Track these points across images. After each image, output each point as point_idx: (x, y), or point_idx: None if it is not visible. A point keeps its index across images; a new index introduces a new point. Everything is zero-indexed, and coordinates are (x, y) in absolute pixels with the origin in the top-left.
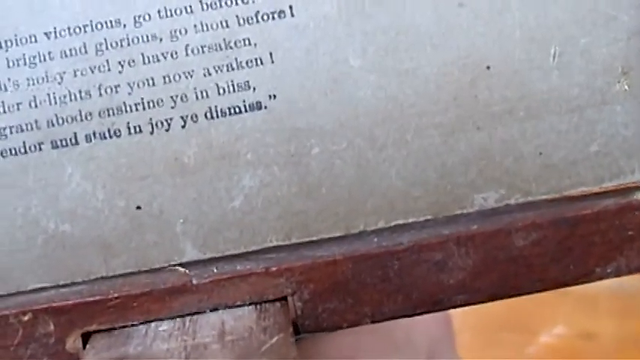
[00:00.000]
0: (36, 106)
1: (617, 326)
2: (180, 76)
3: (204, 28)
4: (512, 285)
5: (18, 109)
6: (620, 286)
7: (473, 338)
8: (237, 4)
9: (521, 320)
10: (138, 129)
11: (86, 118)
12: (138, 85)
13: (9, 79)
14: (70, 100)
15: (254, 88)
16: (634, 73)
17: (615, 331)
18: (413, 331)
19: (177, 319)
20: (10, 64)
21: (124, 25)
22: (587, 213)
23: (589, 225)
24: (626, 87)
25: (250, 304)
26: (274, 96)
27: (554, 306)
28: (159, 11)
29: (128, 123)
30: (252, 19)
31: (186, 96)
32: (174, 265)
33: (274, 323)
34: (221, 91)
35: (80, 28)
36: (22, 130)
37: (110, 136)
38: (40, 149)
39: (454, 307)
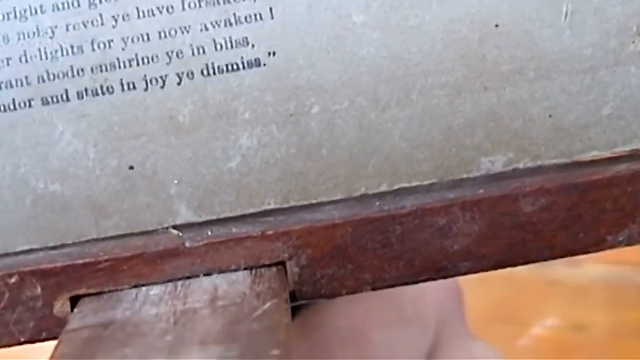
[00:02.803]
0: (26, 61)
1: (608, 317)
2: (175, 32)
3: None
4: (519, 252)
5: (7, 64)
6: (611, 277)
7: None
8: None
9: (512, 312)
10: (131, 86)
11: (78, 73)
12: (132, 41)
13: None
14: (62, 55)
15: (253, 45)
16: None
17: (607, 322)
18: (422, 303)
19: (169, 283)
20: (0, 17)
21: None
22: (599, 178)
23: (600, 191)
24: None
25: (245, 268)
26: (273, 53)
27: (546, 297)
28: None
29: (121, 79)
30: None
31: (182, 52)
32: (168, 228)
33: (268, 289)
34: (218, 47)
35: None
36: (12, 86)
37: (102, 93)
38: (30, 106)
39: (458, 274)
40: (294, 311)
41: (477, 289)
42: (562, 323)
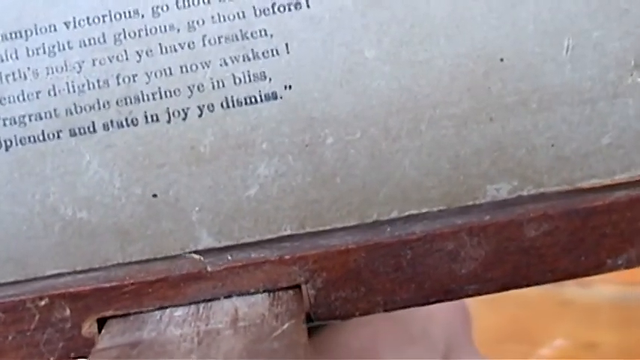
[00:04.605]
0: (55, 94)
1: (618, 336)
2: (197, 66)
3: (221, 19)
4: (523, 275)
5: (37, 97)
6: (621, 297)
7: None
8: None
9: (523, 332)
10: (155, 118)
11: (104, 106)
12: (155, 75)
13: (29, 68)
14: (89, 88)
15: (270, 79)
16: None
17: (617, 341)
18: (430, 323)
19: (192, 305)
20: (30, 53)
21: (142, 16)
22: (599, 204)
23: (600, 216)
24: (638, 80)
25: (264, 291)
26: (290, 86)
27: (556, 317)
28: (176, 2)
29: (145, 112)
30: (268, 10)
31: (202, 86)
32: (190, 253)
33: (286, 310)
34: (237, 81)
35: (99, 18)
36: (41, 118)
37: (127, 125)
38: (59, 137)
39: (466, 296)
40: (308, 333)
41: (489, 308)
42: (572, 342)
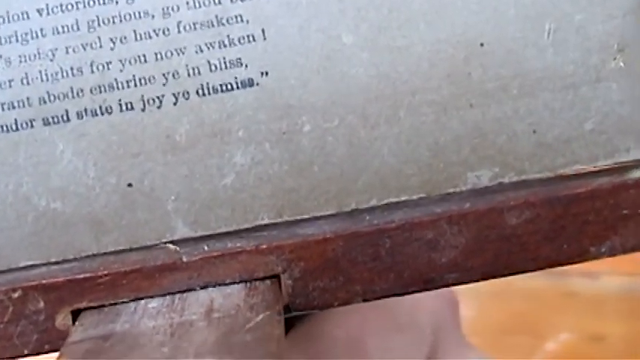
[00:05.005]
0: (27, 83)
1: (625, 328)
2: (171, 53)
3: (196, 4)
4: (504, 264)
5: (9, 86)
6: (628, 289)
7: (480, 343)
8: None
9: (528, 324)
10: (129, 106)
11: (78, 94)
12: (129, 62)
13: (0, 56)
14: (62, 76)
15: (246, 65)
16: (629, 50)
17: (624, 333)
18: (417, 311)
19: (167, 296)
20: (2, 41)
21: (116, 2)
22: (582, 191)
23: (583, 203)
24: (621, 64)
25: (240, 281)
26: (266, 73)
27: (562, 309)
28: None
29: (120, 100)
30: None
31: (177, 73)
32: (165, 243)
33: (262, 301)
34: (213, 67)
35: (72, 5)
36: (14, 107)
37: (102, 113)
38: (32, 126)
39: (446, 285)
40: (293, 323)
41: (494, 301)
42: (579, 335)
